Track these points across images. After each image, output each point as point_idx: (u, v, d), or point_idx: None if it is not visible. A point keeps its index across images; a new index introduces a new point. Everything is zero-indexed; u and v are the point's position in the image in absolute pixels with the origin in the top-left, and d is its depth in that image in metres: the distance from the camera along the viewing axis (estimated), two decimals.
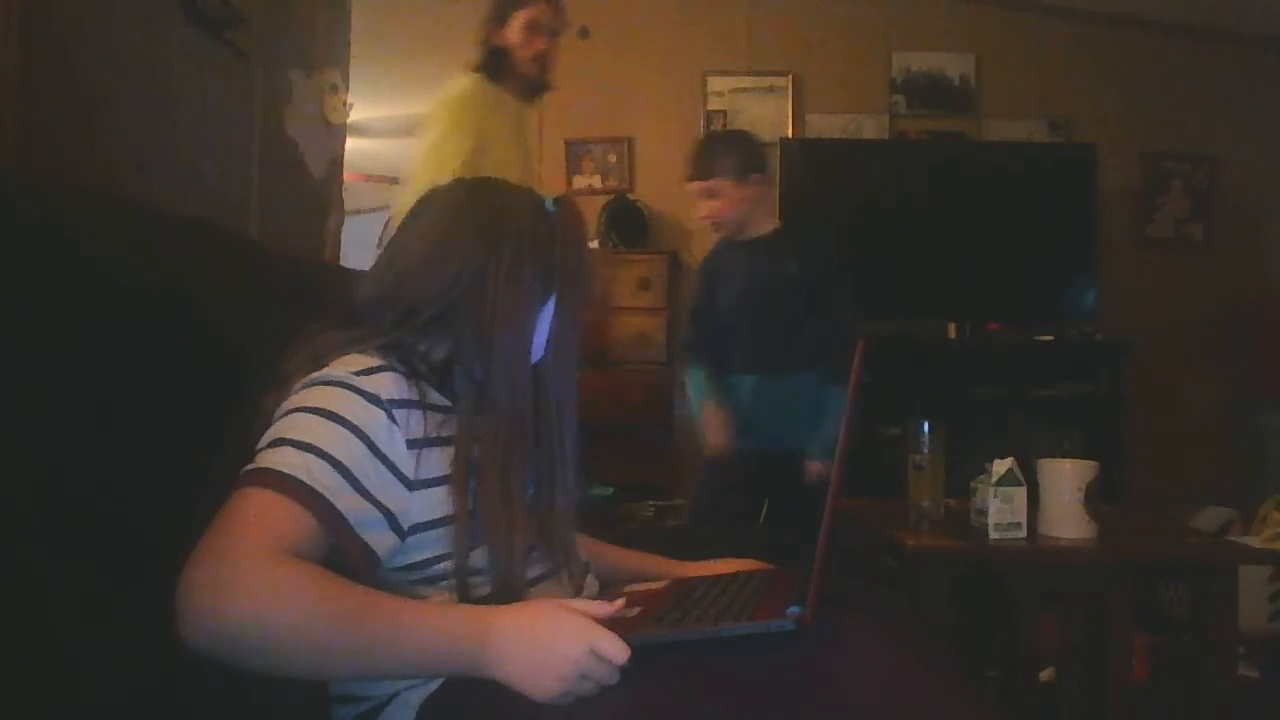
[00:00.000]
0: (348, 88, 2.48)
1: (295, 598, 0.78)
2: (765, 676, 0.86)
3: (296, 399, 0.91)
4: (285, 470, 0.84)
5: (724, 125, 3.98)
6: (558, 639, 0.84)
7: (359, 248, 3.07)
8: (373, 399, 0.91)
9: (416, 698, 0.91)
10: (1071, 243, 3.69)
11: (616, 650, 0.83)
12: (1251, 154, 4.03)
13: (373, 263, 1.10)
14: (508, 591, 0.95)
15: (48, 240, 0.89)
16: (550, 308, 1.04)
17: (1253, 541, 2.73)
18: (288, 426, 0.88)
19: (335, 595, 0.81)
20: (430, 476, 0.94)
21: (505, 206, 1.06)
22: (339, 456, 0.87)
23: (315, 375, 0.93)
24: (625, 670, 0.84)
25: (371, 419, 0.90)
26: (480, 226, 1.03)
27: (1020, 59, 4.01)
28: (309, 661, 0.80)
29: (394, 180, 3.25)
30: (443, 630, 0.84)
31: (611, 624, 0.90)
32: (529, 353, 1.03)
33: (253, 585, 0.77)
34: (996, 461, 1.64)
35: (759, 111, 3.97)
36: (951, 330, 3.64)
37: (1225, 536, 2.92)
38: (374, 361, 0.94)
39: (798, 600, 0.93)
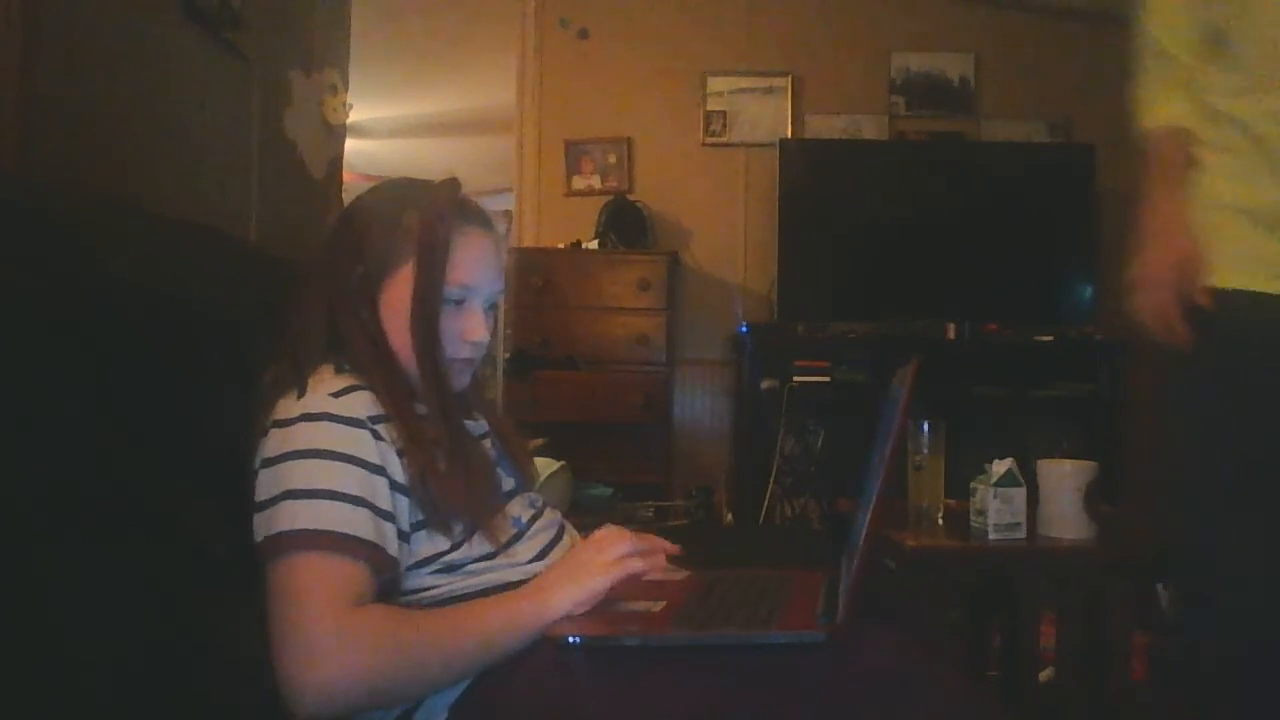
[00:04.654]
0: (347, 88, 2.48)
1: (383, 641, 0.86)
2: (795, 687, 0.85)
3: (287, 440, 0.93)
4: (315, 527, 0.88)
5: (723, 126, 3.98)
6: (585, 552, 1.00)
7: None
8: (355, 422, 0.94)
9: (444, 703, 0.92)
10: (1071, 243, 3.68)
11: (628, 544, 1.00)
12: None
13: None
14: (487, 526, 1.01)
15: (46, 241, 0.89)
16: (407, 273, 1.03)
17: None
18: (292, 476, 0.91)
19: (413, 623, 0.90)
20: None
21: (360, 204, 1.11)
22: (350, 490, 0.90)
23: (296, 410, 0.94)
24: (654, 671, 0.88)
25: (359, 441, 0.93)
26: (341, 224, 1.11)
27: (1020, 59, 4.01)
28: (419, 685, 0.90)
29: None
30: (508, 606, 0.94)
31: (639, 621, 0.93)
32: (374, 313, 1.04)
33: (340, 648, 0.84)
34: (996, 462, 1.64)
35: (758, 112, 3.96)
36: (951, 330, 3.64)
37: None
38: (345, 381, 0.97)
39: (828, 610, 0.92)
